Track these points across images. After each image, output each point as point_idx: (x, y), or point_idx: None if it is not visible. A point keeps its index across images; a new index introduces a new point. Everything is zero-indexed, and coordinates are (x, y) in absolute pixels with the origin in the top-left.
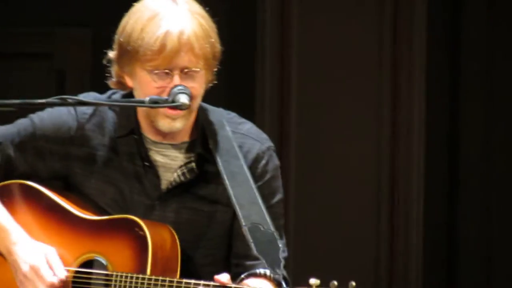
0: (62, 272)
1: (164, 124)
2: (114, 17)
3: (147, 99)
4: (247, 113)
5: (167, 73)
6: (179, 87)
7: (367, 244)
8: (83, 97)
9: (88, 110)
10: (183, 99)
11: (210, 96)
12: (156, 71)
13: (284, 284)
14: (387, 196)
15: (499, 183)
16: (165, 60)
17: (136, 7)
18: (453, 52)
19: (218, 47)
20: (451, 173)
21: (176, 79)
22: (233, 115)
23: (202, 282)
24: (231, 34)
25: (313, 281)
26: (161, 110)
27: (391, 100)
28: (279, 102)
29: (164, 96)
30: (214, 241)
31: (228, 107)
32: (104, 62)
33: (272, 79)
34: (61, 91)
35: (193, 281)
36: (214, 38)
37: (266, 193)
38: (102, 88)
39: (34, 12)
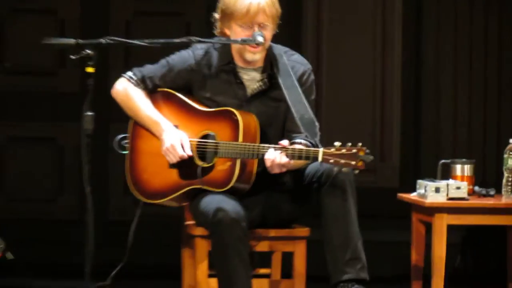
0: (188, 150)
1: (249, 56)
2: None
3: (239, 39)
4: None
5: (250, 27)
6: (258, 32)
7: (369, 124)
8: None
9: (201, 52)
10: (260, 39)
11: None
12: (244, 25)
13: (319, 146)
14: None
15: None
16: (250, 19)
17: None
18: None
19: (279, 10)
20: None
21: (256, 29)
22: (287, 49)
23: (272, 145)
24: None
25: (336, 143)
26: (247, 47)
27: (381, 70)
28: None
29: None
30: (278, 122)
31: None
32: (212, 20)
33: None
34: None
35: (266, 145)
36: (277, 5)
37: (306, 94)
38: None
39: None
